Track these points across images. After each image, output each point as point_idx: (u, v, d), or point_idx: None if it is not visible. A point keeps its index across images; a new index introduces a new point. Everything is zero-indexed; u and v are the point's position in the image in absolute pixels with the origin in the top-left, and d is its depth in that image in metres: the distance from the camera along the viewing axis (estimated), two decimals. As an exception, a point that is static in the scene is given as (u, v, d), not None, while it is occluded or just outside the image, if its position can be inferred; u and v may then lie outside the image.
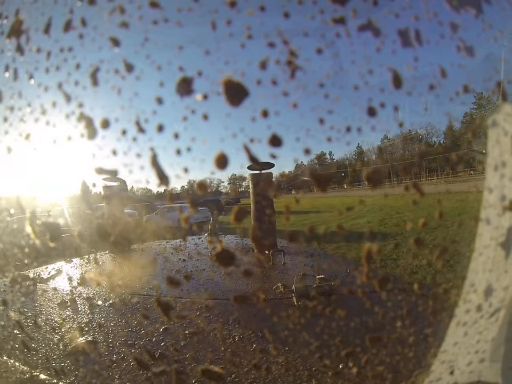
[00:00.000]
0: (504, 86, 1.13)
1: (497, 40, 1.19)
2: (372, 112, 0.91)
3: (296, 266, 4.76)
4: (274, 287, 3.66)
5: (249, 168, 5.31)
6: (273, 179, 6.57)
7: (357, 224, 8.10)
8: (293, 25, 0.98)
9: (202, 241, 6.66)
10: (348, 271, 4.25)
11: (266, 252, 4.75)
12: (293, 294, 3.28)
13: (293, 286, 3.35)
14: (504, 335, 0.91)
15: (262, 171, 5.75)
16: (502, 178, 0.97)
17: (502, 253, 0.94)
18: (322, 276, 3.62)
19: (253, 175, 6.02)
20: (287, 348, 2.24)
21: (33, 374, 2.04)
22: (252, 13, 0.94)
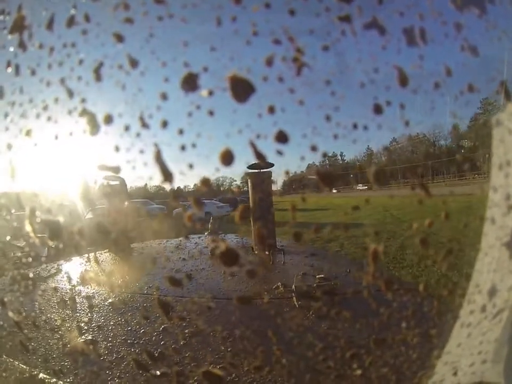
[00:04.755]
0: (508, 85, 1.13)
1: (501, 40, 1.19)
2: (378, 109, 0.91)
3: (296, 265, 4.75)
4: (274, 287, 3.65)
5: (249, 167, 5.25)
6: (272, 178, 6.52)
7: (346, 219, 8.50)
8: (299, 23, 0.97)
9: (202, 240, 6.67)
10: (348, 270, 4.24)
11: (267, 252, 4.74)
12: (293, 294, 3.27)
13: (293, 286, 3.35)
14: (507, 336, 0.90)
15: (261, 170, 5.66)
16: (507, 177, 0.97)
17: (507, 253, 0.93)
18: (323, 275, 3.62)
19: (251, 174, 5.90)
20: (286, 348, 2.23)
21: (32, 373, 2.02)
22: (257, 10, 0.94)
